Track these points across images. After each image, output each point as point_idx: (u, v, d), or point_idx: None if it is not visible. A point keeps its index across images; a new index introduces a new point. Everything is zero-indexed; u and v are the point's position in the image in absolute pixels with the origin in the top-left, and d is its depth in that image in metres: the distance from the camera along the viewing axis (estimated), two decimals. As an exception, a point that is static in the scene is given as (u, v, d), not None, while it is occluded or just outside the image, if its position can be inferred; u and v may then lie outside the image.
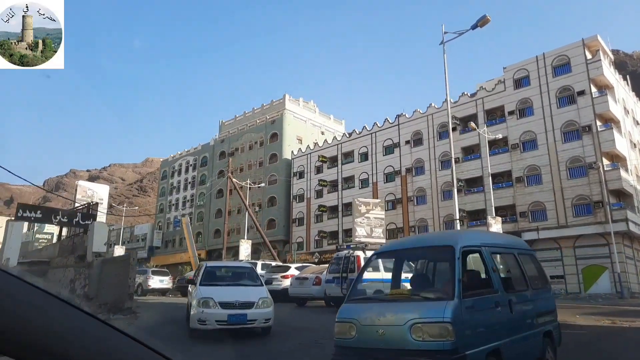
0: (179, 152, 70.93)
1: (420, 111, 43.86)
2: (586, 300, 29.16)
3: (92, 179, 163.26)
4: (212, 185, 61.31)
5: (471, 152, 40.02)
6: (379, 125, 47.17)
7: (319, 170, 51.95)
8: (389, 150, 45.70)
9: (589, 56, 34.36)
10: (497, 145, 38.58)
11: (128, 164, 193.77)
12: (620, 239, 31.56)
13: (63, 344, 0.74)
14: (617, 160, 33.61)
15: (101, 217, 50.19)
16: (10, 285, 0.72)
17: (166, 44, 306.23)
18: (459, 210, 38.72)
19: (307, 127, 59.70)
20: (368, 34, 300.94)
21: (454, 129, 40.84)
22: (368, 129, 48.28)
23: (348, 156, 49.53)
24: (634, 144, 36.85)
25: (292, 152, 55.09)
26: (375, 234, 34.62)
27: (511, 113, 37.56)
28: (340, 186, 49.25)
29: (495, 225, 24.78)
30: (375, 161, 46.44)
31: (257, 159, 58.80)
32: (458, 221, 32.50)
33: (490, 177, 37.75)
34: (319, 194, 51.15)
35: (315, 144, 53.07)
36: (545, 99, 35.76)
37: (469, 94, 40.81)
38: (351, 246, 17.31)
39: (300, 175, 53.65)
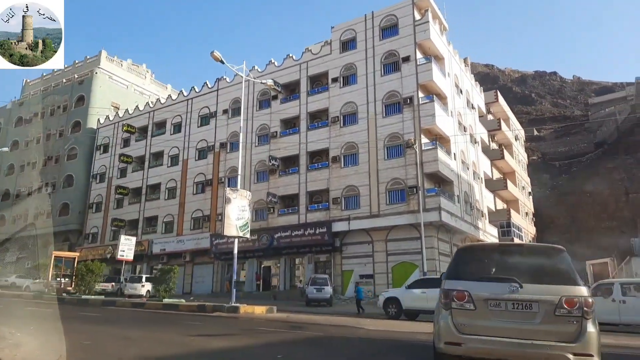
0: (-31, 117, 55.37)
1: (243, 76, 36.01)
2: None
3: None
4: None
5: (291, 125, 33.19)
6: (197, 90, 38.56)
7: (126, 143, 41.83)
8: (204, 120, 37.30)
9: (417, 17, 29.29)
10: (319, 119, 32.25)
11: None
12: (435, 232, 26.60)
13: None
14: (442, 142, 28.88)
15: None
16: None
17: None
18: (269, 194, 31.84)
19: (130, 94, 48.92)
20: None
21: (274, 97, 33.97)
22: (185, 94, 39.46)
23: (161, 127, 40.20)
24: (465, 128, 32.83)
25: (99, 120, 44.15)
26: None
27: (335, 80, 31.40)
28: (147, 163, 39.69)
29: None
30: (188, 133, 37.72)
31: (58, 128, 46.67)
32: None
33: (307, 155, 31.41)
34: (123, 173, 41.04)
35: (126, 111, 42.81)
36: (370, 65, 30.07)
37: (294, 57, 33.99)
38: None
39: (105, 149, 42.98)
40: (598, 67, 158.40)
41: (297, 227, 29.85)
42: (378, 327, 11.56)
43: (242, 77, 19.30)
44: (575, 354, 4.56)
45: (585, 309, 4.70)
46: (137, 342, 8.00)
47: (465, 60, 37.50)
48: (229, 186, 34.48)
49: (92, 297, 19.75)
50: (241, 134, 19.77)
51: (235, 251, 16.87)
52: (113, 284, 31.80)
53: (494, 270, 5.23)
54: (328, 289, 22.99)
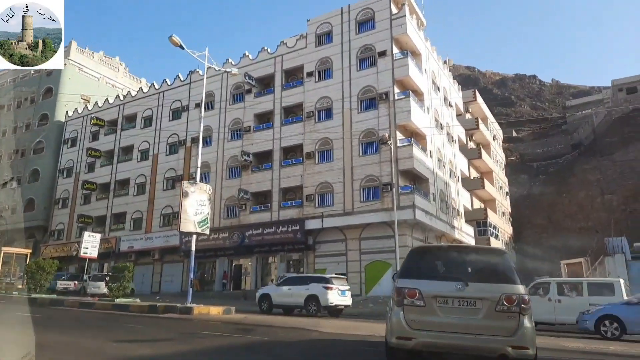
0: None
1: (216, 68, 34.90)
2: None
3: None
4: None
5: (265, 120, 32.28)
6: (169, 83, 37.32)
7: (95, 137, 40.31)
8: (176, 114, 36.11)
9: (395, 11, 28.70)
10: (294, 114, 31.42)
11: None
12: (409, 230, 26.02)
13: None
14: (418, 139, 28.36)
15: None
16: None
17: None
18: (240, 191, 30.86)
19: (102, 87, 47.20)
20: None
21: (248, 91, 33.01)
22: (157, 87, 38.17)
23: (131, 120, 38.81)
24: (441, 125, 32.39)
25: (67, 113, 42.49)
26: None
27: (310, 74, 30.59)
28: (116, 158, 38.26)
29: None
30: (159, 127, 36.47)
31: (25, 120, 44.81)
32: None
33: (280, 151, 30.59)
34: (91, 168, 39.53)
35: (95, 103, 41.28)
36: (346, 59, 29.36)
37: (269, 50, 33.09)
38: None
39: (73, 142, 41.38)
40: (576, 71, 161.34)
41: (270, 225, 28.98)
42: (335, 329, 10.79)
43: (202, 62, 18.19)
44: (513, 347, 4.94)
45: (522, 305, 5.07)
46: (45, 349, 7.05)
47: (446, 61, 37.16)
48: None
49: (42, 296, 18.54)
50: (201, 124, 19.04)
51: (193, 248, 15.89)
52: (76, 282, 30.45)
53: (442, 270, 5.60)
54: (297, 288, 22.17)
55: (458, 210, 33.34)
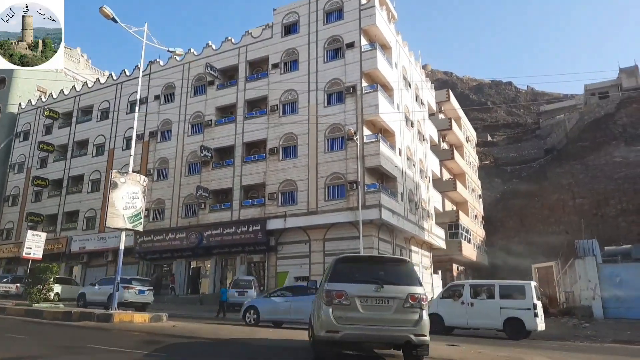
0: None
1: (177, 59, 33.08)
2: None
3: None
4: None
5: (228, 113, 30.57)
6: (127, 73, 35.22)
7: (48, 130, 37.82)
8: (134, 107, 33.91)
9: (364, 2, 27.44)
10: (258, 107, 29.80)
11: None
12: (375, 231, 24.66)
13: None
14: (386, 135, 27.09)
15: None
16: None
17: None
18: (199, 188, 28.97)
19: (60, 79, 44.44)
20: None
21: (211, 83, 31.26)
22: (114, 77, 36.02)
23: (87, 113, 36.50)
24: (412, 123, 31.25)
25: (20, 105, 39.85)
26: None
27: (275, 66, 29.05)
28: (70, 153, 35.88)
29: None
30: (116, 120, 34.29)
31: (-26, 112, 41.85)
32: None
33: (243, 147, 28.92)
34: (43, 163, 37.02)
35: (50, 95, 38.80)
36: (313, 50, 27.95)
37: (233, 40, 31.42)
38: None
39: (25, 136, 38.77)
40: (551, 79, 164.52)
41: (230, 225, 27.23)
42: (272, 337, 9.19)
43: (140, 38, 16.35)
44: (415, 335, 6.06)
45: (422, 302, 6.24)
46: None
47: (425, 66, 36.14)
48: (157, 179, 31.44)
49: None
50: (137, 108, 17.38)
51: (122, 247, 14.07)
52: (18, 285, 28.02)
53: (363, 275, 6.50)
54: (252, 293, 20.61)
55: (428, 211, 32.20)
